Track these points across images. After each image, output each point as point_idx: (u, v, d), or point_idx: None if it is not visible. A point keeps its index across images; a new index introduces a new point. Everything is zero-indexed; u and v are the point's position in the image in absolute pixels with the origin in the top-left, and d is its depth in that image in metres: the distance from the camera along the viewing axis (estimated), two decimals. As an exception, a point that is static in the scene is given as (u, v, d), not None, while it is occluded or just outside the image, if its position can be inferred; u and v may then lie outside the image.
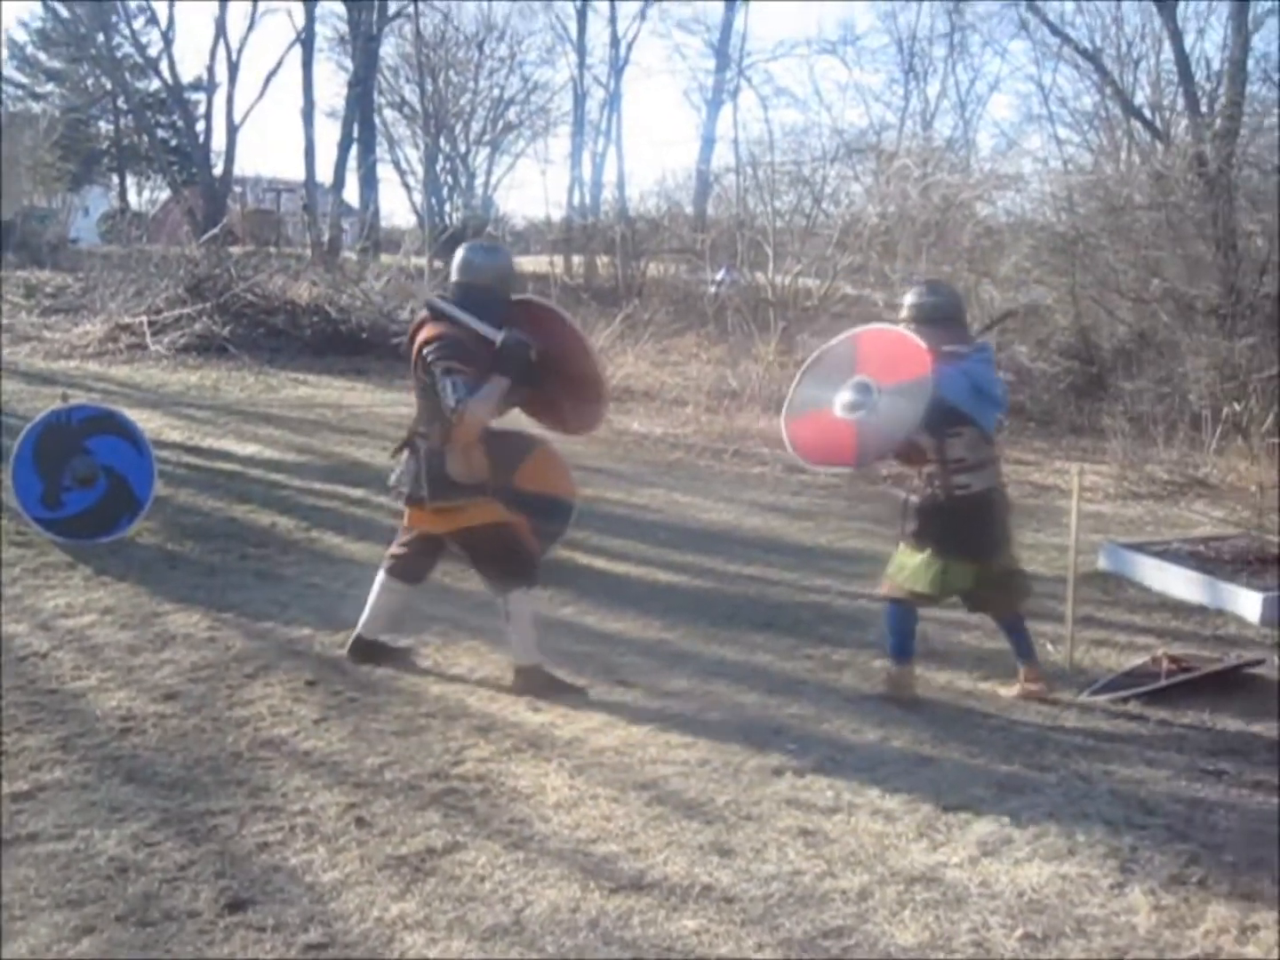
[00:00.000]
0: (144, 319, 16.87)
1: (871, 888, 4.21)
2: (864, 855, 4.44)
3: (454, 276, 6.16)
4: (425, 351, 5.76)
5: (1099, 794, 5.08)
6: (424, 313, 6.05)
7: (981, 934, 3.96)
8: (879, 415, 5.84)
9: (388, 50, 32.57)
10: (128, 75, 37.10)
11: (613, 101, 31.59)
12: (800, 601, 7.59)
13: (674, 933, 3.86)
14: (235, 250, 22.07)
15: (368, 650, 6.21)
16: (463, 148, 32.94)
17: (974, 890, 4.24)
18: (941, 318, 6.05)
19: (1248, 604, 7.84)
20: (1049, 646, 6.73)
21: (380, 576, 6.21)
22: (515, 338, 5.76)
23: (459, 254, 6.20)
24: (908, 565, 6.07)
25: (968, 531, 5.95)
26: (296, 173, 31.59)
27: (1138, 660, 6.58)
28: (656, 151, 69.82)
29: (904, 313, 6.20)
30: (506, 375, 5.73)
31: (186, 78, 37.66)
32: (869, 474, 11.20)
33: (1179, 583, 8.31)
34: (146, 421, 10.71)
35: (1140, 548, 8.64)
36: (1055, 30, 21.65)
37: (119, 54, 36.24)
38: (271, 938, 3.73)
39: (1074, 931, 4.01)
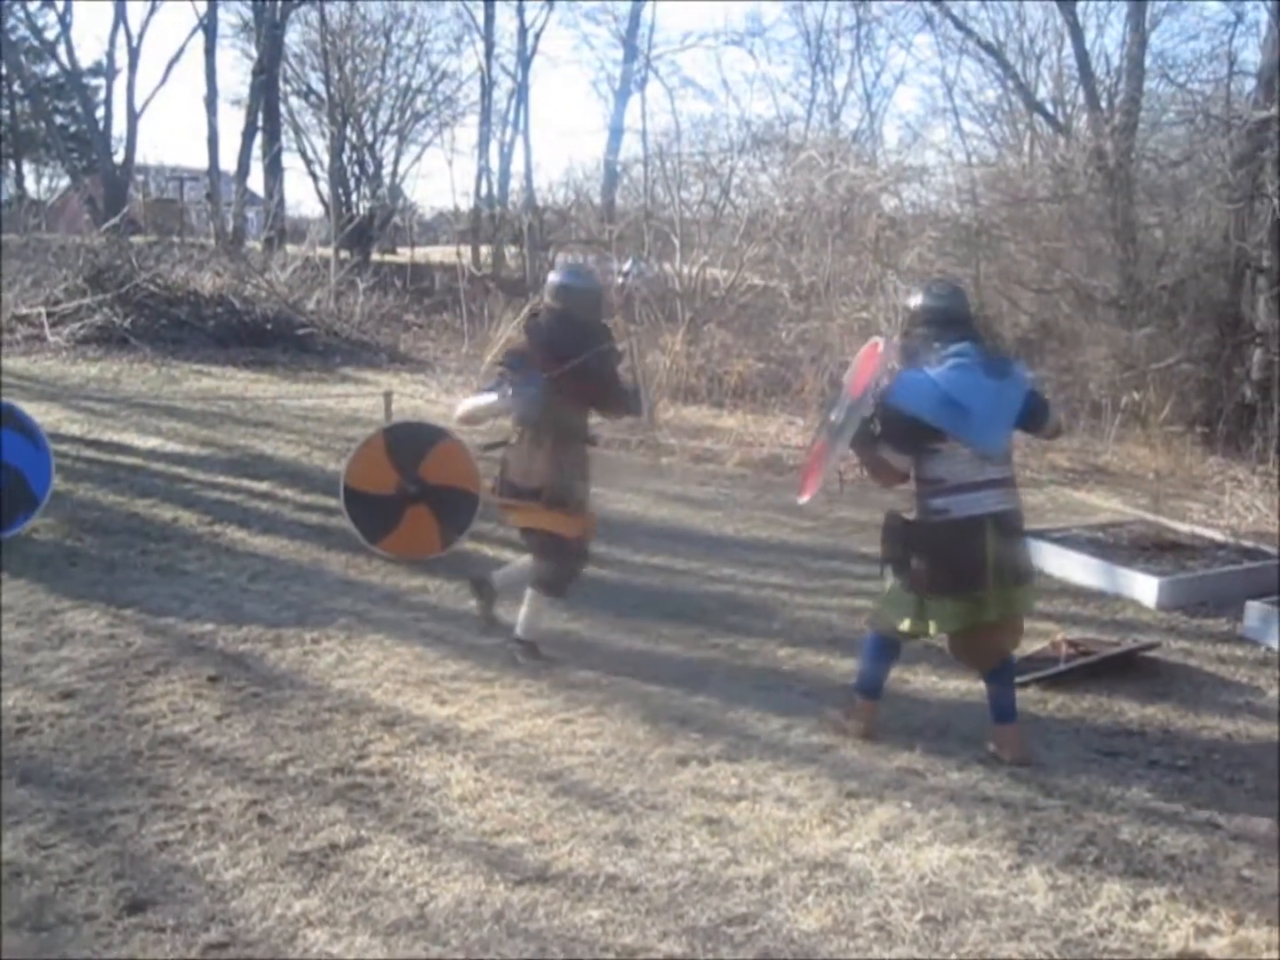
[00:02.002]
0: (42, 310, 16.54)
1: (775, 874, 4.25)
2: (768, 842, 4.48)
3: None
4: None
5: (999, 777, 5.15)
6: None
7: (883, 917, 4.02)
8: (836, 433, 5.52)
9: (293, 38, 32.17)
10: (23, 59, 36.30)
11: (520, 91, 31.46)
12: (707, 591, 7.63)
13: (578, 923, 3.88)
14: (137, 240, 21.68)
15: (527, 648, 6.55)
16: (370, 137, 32.60)
17: (876, 875, 4.29)
18: (942, 320, 5.41)
19: (1145, 589, 7.99)
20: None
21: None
22: (527, 388, 6.15)
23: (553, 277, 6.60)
24: (885, 594, 5.56)
25: (939, 564, 5.26)
26: (200, 161, 31.18)
27: (1038, 646, 6.67)
28: (564, 142, 69.62)
29: (905, 315, 5.76)
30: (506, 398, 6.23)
31: (85, 63, 37.02)
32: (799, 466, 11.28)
33: (1078, 569, 8.44)
34: (45, 415, 10.58)
35: (1041, 534, 8.76)
36: (959, 25, 21.80)
37: (14, 37, 35.46)
38: (171, 938, 3.69)
39: (973, 912, 4.08)
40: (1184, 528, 9.53)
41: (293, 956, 3.64)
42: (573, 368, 6.18)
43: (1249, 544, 9.16)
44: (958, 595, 5.28)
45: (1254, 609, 7.46)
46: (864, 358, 5.69)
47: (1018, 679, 6.12)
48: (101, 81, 35.63)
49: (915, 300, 5.60)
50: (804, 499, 5.85)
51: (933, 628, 5.39)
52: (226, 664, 6.03)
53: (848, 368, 6.04)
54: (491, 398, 6.32)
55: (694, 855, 4.35)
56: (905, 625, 5.38)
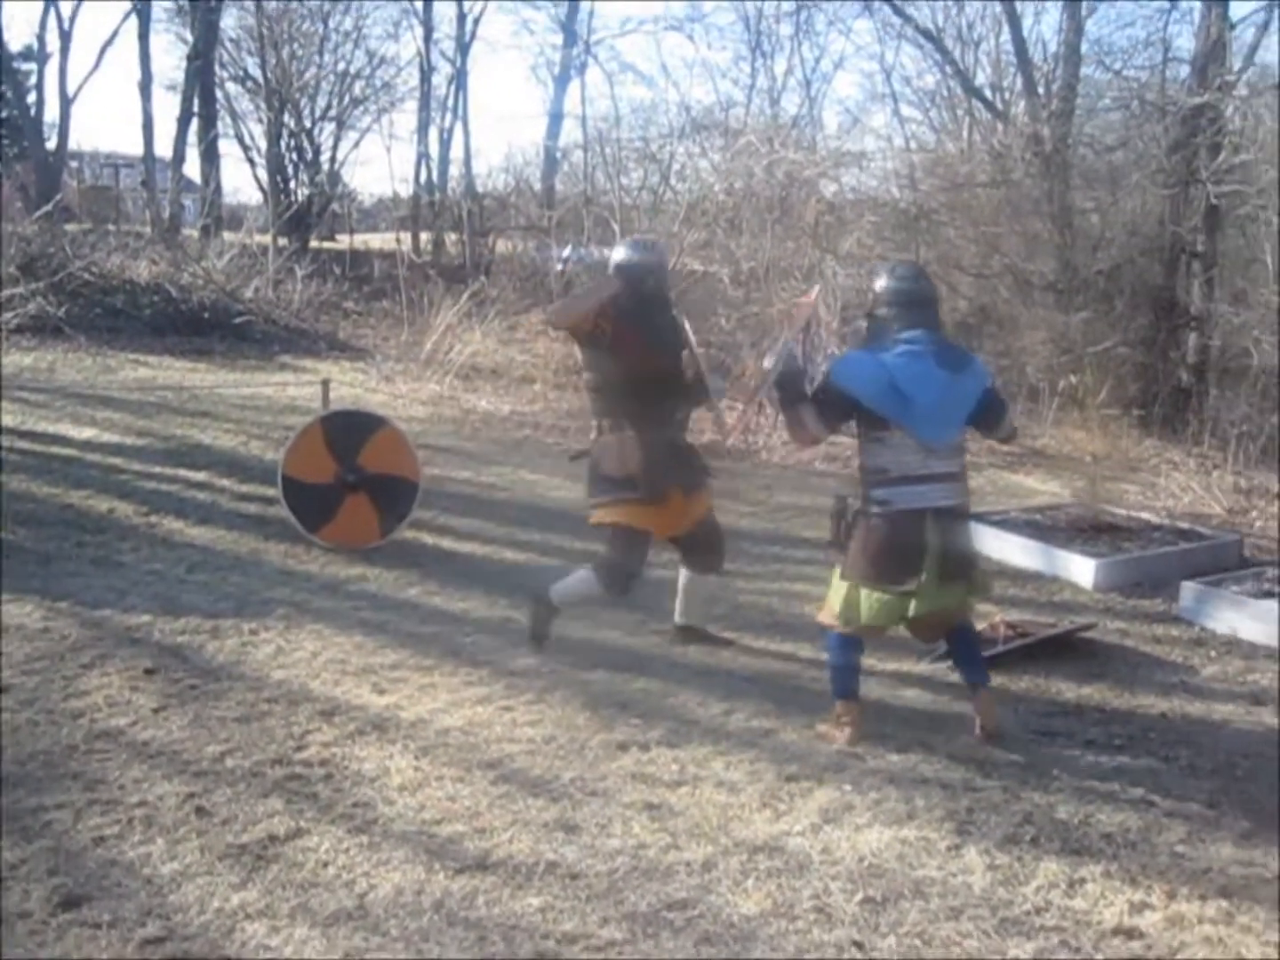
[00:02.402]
0: (-27, 299, 16.34)
1: (715, 858, 4.26)
2: (708, 827, 4.49)
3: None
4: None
5: (938, 759, 5.19)
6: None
7: (823, 900, 4.03)
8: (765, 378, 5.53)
9: (229, 22, 31.77)
10: (-50, 46, 35.78)
11: (459, 77, 31.24)
12: (647, 577, 7.60)
13: (519, 911, 3.87)
14: (71, 227, 21.44)
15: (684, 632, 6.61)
16: (308, 123, 32.30)
17: (816, 857, 4.31)
18: (904, 302, 5.29)
19: (1081, 570, 8.08)
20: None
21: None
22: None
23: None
24: (830, 585, 5.49)
25: (873, 555, 5.23)
26: (135, 148, 30.74)
27: (977, 627, 6.72)
28: (504, 127, 69.25)
29: (869, 297, 5.52)
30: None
31: (15, 46, 36.38)
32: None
33: (1017, 551, 8.52)
34: (-24, 406, 10.43)
35: (980, 517, 8.83)
36: (898, 11, 21.85)
37: (-60, 23, 34.97)
38: (107, 934, 3.66)
39: (912, 893, 4.11)
40: (1120, 510, 9.63)
41: (231, 950, 3.61)
42: (643, 343, 5.94)
43: (1184, 525, 9.28)
44: (887, 588, 5.22)
45: (1189, 589, 7.55)
46: (799, 306, 5.72)
47: (936, 649, 6.18)
48: (32, 66, 35.07)
49: (879, 282, 5.45)
50: (729, 441, 5.80)
51: (863, 618, 5.29)
52: (163, 656, 5.97)
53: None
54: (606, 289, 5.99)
55: (634, 841, 4.35)
56: (841, 614, 5.34)
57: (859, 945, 3.78)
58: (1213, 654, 6.85)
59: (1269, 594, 7.56)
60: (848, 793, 4.82)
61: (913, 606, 5.25)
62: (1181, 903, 4.12)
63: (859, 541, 5.28)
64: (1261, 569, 8.19)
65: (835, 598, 5.39)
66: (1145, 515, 9.54)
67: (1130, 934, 3.93)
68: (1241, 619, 7.19)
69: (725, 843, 4.38)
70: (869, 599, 5.25)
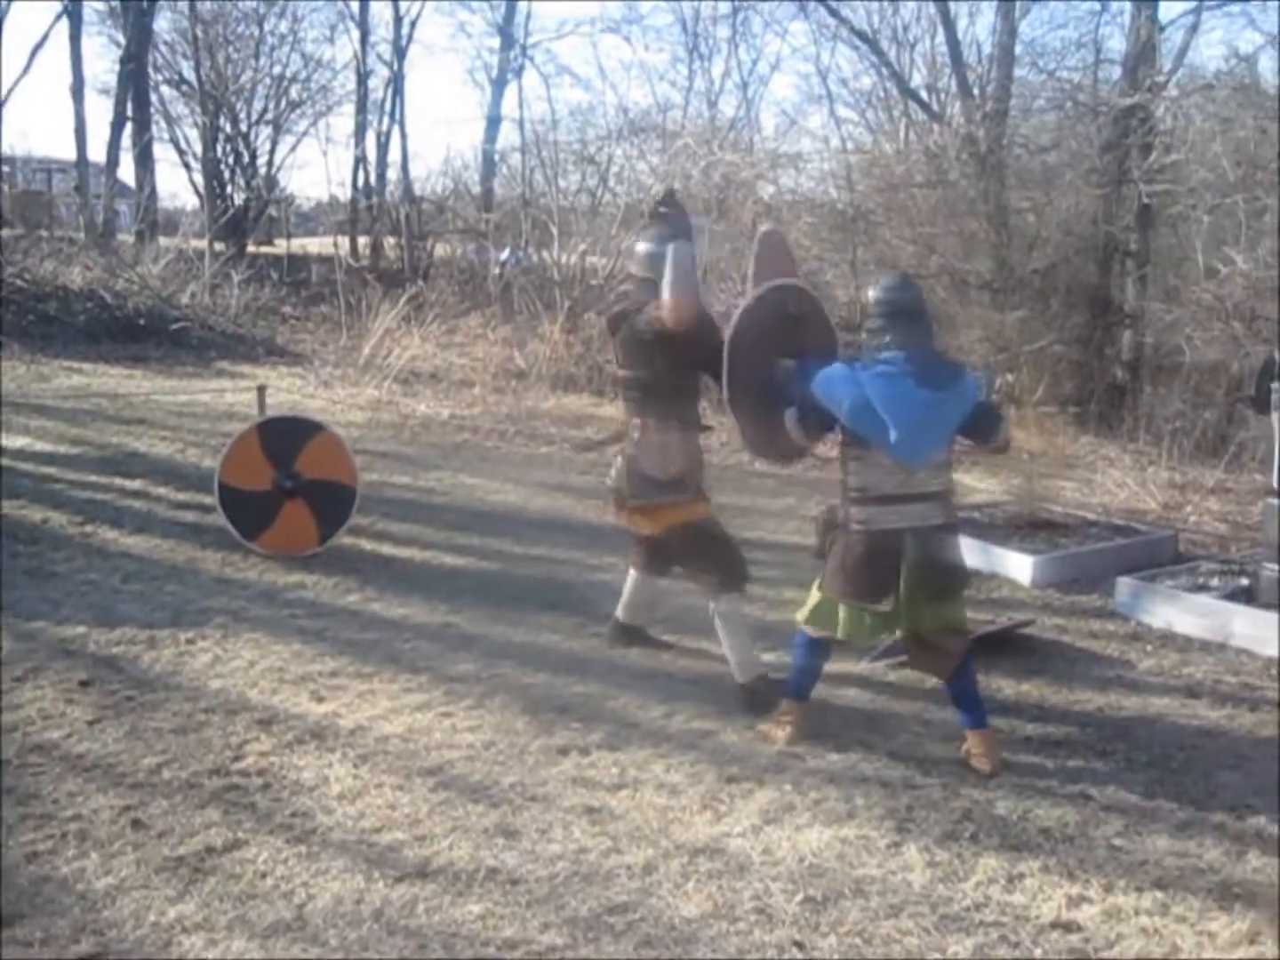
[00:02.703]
0: (-97, 308, 16.12)
1: (656, 861, 4.26)
2: (649, 830, 4.49)
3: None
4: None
5: (877, 757, 5.22)
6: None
7: (764, 900, 4.05)
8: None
9: (163, 25, 31.49)
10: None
11: (396, 80, 31.07)
12: (588, 580, 7.61)
13: (459, 918, 3.86)
14: (3, 233, 21.18)
15: (624, 632, 6.49)
16: (244, 127, 32.08)
17: (756, 858, 4.32)
18: (889, 314, 5.19)
19: (1019, 567, 8.14)
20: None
21: (629, 570, 6.43)
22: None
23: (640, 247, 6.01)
24: (810, 592, 5.43)
25: (849, 572, 5.18)
26: (68, 152, 30.33)
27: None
28: (442, 131, 68.99)
29: (870, 309, 5.33)
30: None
31: (-56, 52, 35.98)
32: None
33: (955, 549, 8.56)
34: (-94, 416, 10.28)
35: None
36: (833, 13, 21.96)
37: None
38: (40, 951, 3.61)
39: (853, 892, 4.12)
40: (1057, 506, 9.71)
41: (167, 963, 3.58)
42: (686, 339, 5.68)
43: (1120, 521, 9.37)
44: (863, 606, 5.17)
45: (1124, 584, 7.63)
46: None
47: (898, 658, 6.20)
48: (-39, 70, 34.68)
49: (870, 293, 5.40)
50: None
51: (840, 631, 5.25)
52: (99, 667, 5.90)
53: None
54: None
55: (575, 845, 4.35)
56: (817, 623, 5.31)
57: (800, 945, 3.79)
58: (1149, 648, 6.92)
59: (1203, 588, 7.66)
60: (788, 793, 4.83)
61: (900, 625, 5.25)
62: (1118, 895, 4.16)
63: (837, 558, 5.24)
64: (1196, 563, 8.29)
65: (814, 606, 5.35)
66: (1082, 512, 9.63)
67: (1068, 927, 3.96)
68: (1177, 613, 7.28)
69: (666, 845, 4.38)
70: (846, 614, 5.21)
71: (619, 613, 6.50)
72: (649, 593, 6.47)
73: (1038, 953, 3.81)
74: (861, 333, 5.40)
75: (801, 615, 5.42)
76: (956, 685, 5.33)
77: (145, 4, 28.78)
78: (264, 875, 4.08)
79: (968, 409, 5.19)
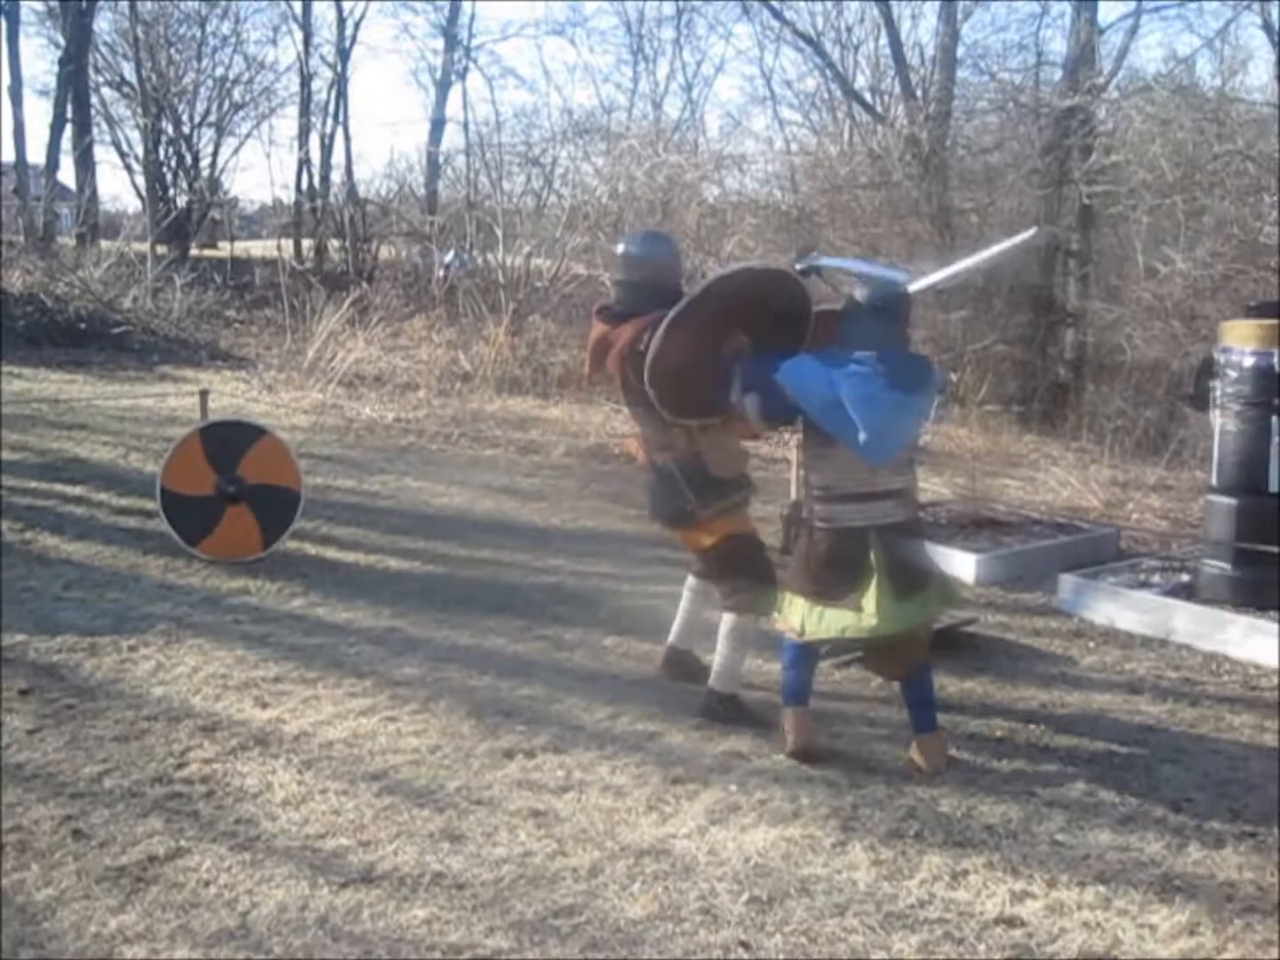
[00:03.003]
0: None
1: (602, 864, 4.26)
2: (594, 832, 4.48)
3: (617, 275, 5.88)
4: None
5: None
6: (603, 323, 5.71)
7: (709, 901, 4.05)
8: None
9: (103, 26, 31.21)
10: None
11: (340, 82, 30.93)
12: (533, 583, 7.60)
13: (404, 923, 3.84)
14: (-60, 238, 20.92)
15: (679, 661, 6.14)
16: (186, 129, 31.82)
17: (702, 859, 4.33)
18: (866, 311, 5.11)
19: (963, 565, 8.19)
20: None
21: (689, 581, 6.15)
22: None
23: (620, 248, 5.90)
24: (783, 595, 5.38)
25: (815, 570, 5.15)
26: (6, 154, 30.02)
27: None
28: (386, 133, 68.68)
29: (845, 305, 5.26)
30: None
31: (-122, 53, 35.48)
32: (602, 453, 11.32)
33: (899, 548, 8.60)
34: None
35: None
36: (777, 15, 22.10)
37: None
38: (-22, 964, 3.57)
39: (798, 891, 4.13)
40: (1001, 505, 9.79)
41: (108, 974, 3.55)
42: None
43: (1063, 519, 9.47)
44: (832, 604, 5.09)
45: (1067, 581, 7.71)
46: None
47: (843, 657, 6.24)
48: (-104, 71, 34.23)
49: (847, 290, 5.33)
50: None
51: (807, 629, 5.16)
52: (39, 676, 5.84)
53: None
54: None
55: (520, 849, 4.34)
56: (795, 623, 5.22)
57: (745, 945, 3.80)
58: (1091, 644, 6.99)
59: (1145, 585, 7.75)
60: (733, 793, 4.84)
61: (873, 625, 5.03)
62: (1061, 890, 4.19)
63: (801, 556, 5.22)
64: (1138, 560, 8.38)
65: (786, 608, 5.29)
66: (1025, 510, 9.71)
67: (1011, 923, 3.99)
68: (1119, 610, 7.36)
69: (611, 847, 4.37)
70: (813, 612, 5.14)
71: (675, 640, 6.18)
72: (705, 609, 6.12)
73: (981, 949, 3.84)
74: (841, 328, 5.23)
75: (782, 623, 5.33)
76: (914, 687, 5.30)
77: (84, 4, 28.49)
78: (207, 883, 4.05)
79: (933, 404, 5.34)
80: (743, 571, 5.62)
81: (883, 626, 5.06)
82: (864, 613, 5.03)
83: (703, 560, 5.91)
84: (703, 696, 5.69)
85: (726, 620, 5.67)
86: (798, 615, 5.20)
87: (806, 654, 5.34)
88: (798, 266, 5.73)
